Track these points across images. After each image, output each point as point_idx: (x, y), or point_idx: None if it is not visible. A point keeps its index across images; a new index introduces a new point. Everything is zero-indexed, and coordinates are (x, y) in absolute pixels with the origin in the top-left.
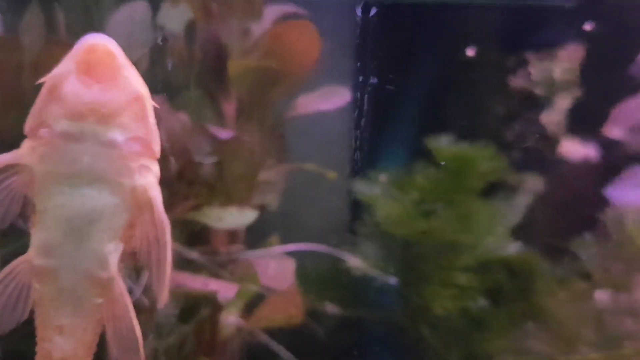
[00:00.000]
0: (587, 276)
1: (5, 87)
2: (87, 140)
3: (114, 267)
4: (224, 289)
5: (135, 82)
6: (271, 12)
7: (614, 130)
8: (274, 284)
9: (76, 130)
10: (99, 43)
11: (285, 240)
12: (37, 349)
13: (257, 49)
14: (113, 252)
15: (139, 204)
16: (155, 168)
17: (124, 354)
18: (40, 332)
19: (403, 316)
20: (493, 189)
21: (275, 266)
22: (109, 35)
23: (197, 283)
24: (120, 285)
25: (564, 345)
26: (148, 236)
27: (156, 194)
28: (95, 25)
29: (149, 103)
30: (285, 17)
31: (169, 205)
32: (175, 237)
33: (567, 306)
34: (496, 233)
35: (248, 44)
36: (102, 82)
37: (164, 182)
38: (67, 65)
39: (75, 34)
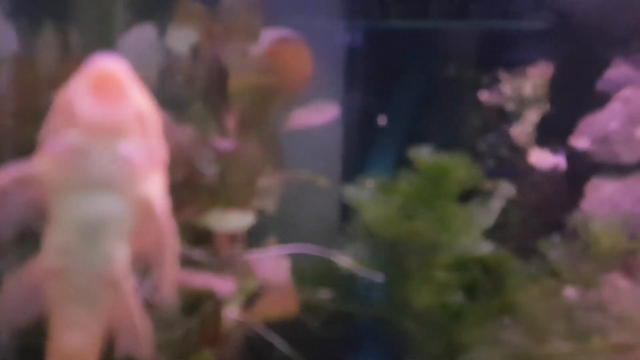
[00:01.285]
0: (556, 274)
1: (22, 104)
2: (98, 153)
3: (123, 267)
4: (225, 286)
5: (142, 98)
6: (268, 36)
7: (580, 141)
8: (271, 278)
9: (87, 144)
10: (109, 62)
11: (281, 241)
12: (49, 344)
13: (255, 66)
14: (121, 254)
15: (145, 210)
16: (161, 178)
17: (132, 349)
18: (52, 329)
19: (388, 310)
20: (469, 195)
21: (272, 263)
22: (119, 55)
23: (200, 280)
24: (129, 284)
25: (536, 337)
26: (154, 239)
27: (161, 202)
28: (106, 46)
29: (156, 118)
30: (280, 40)
31: (175, 209)
32: (180, 238)
33: (538, 302)
34: (472, 234)
35: (247, 63)
36: (112, 99)
37: (171, 189)
38: (79, 83)
39: (88, 54)
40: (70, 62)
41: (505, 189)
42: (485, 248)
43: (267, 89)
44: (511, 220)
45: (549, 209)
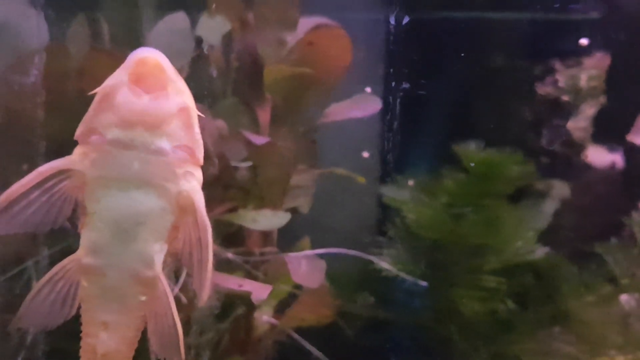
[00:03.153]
0: (613, 280)
1: (54, 94)
2: (137, 148)
3: (159, 266)
4: (258, 290)
5: (182, 93)
6: (305, 24)
7: (638, 138)
8: (305, 283)
9: (126, 138)
10: (150, 56)
11: (316, 242)
12: (82, 344)
13: (291, 57)
14: (158, 253)
15: (183, 207)
16: (199, 174)
17: (164, 351)
18: (85, 328)
19: (431, 318)
20: (521, 194)
21: (307, 265)
22: (150, 45)
23: (232, 283)
24: (164, 284)
25: (591, 348)
26: (191, 238)
27: (199, 199)
28: (137, 35)
29: (195, 113)
30: (318, 29)
31: (207, 207)
32: (212, 237)
33: (593, 309)
34: (523, 237)
35: (283, 53)
36: (152, 93)
37: (202, 186)
38: (119, 77)
39: (119, 44)
40: (100, 51)
41: (559, 189)
42: (538, 252)
43: (303, 80)
44: (565, 223)
45: (605, 210)
